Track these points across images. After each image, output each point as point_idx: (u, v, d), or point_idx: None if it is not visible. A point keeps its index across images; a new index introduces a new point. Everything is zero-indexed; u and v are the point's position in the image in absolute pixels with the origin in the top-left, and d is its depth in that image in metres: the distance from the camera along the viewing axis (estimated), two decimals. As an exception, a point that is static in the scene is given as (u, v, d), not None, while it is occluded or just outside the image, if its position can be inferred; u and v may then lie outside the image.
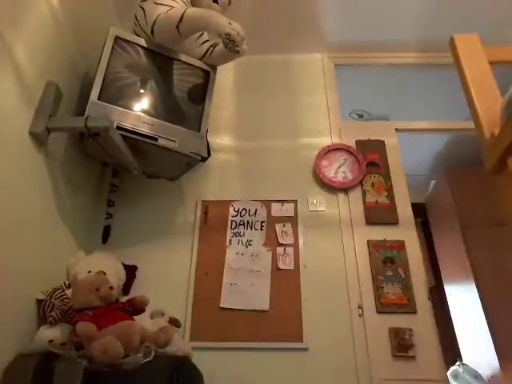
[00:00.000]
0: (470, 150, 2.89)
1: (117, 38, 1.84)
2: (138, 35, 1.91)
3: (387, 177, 2.26)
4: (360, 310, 1.91)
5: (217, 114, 2.38)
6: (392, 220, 2.13)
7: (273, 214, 2.17)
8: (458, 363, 2.87)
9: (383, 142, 2.38)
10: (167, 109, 1.90)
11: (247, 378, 1.78)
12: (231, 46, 1.72)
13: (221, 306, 1.93)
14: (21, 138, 1.52)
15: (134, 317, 1.49)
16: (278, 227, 2.13)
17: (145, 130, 1.77)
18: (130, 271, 1.93)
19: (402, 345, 1.81)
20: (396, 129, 2.46)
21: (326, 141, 2.40)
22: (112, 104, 1.75)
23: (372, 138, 2.40)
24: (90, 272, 1.65)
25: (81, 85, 1.97)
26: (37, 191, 1.63)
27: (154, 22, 1.81)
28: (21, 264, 1.50)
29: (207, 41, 2.00)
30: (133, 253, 2.03)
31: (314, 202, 2.21)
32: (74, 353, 1.33)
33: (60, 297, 1.58)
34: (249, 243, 2.09)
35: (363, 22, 2.50)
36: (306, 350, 1.83)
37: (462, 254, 3.02)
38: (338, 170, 2.29)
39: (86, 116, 1.64)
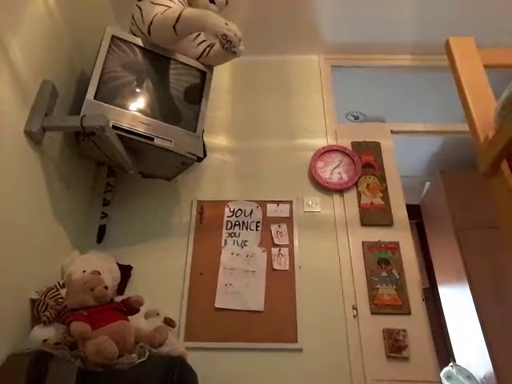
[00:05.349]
0: (465, 152, 2.91)
1: (113, 38, 1.84)
2: (135, 35, 1.90)
3: (382, 178, 2.27)
4: (354, 310, 1.92)
5: (213, 114, 2.38)
6: (387, 221, 2.14)
7: (268, 214, 2.17)
8: (451, 364, 2.88)
9: (379, 143, 2.39)
10: (163, 109, 1.89)
11: (241, 379, 1.78)
12: (228, 47, 1.73)
13: (216, 306, 1.93)
14: (16, 137, 1.52)
15: (129, 317, 1.49)
16: (274, 228, 2.13)
17: (141, 129, 1.77)
18: (125, 271, 1.93)
19: (395, 346, 1.82)
20: (391, 131, 2.47)
21: (321, 142, 2.41)
22: (108, 103, 1.75)
23: (367, 140, 2.40)
24: (84, 272, 1.65)
25: (77, 84, 1.96)
26: (32, 190, 1.63)
27: (151, 21, 1.81)
28: (15, 263, 1.49)
29: (204, 41, 2.00)
30: (128, 252, 2.03)
31: (310, 202, 2.21)
32: (67, 353, 1.33)
33: (54, 296, 1.58)
34: (244, 244, 2.09)
35: (360, 23, 2.51)
36: (300, 350, 1.83)
37: (456, 256, 3.03)
38: (334, 171, 2.29)
39: (81, 115, 1.63)
